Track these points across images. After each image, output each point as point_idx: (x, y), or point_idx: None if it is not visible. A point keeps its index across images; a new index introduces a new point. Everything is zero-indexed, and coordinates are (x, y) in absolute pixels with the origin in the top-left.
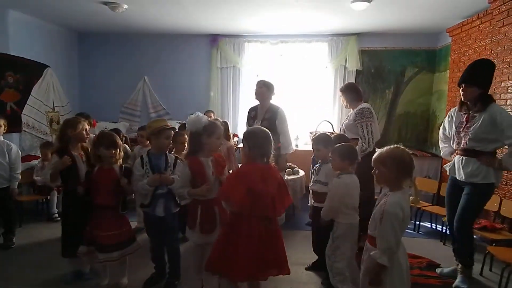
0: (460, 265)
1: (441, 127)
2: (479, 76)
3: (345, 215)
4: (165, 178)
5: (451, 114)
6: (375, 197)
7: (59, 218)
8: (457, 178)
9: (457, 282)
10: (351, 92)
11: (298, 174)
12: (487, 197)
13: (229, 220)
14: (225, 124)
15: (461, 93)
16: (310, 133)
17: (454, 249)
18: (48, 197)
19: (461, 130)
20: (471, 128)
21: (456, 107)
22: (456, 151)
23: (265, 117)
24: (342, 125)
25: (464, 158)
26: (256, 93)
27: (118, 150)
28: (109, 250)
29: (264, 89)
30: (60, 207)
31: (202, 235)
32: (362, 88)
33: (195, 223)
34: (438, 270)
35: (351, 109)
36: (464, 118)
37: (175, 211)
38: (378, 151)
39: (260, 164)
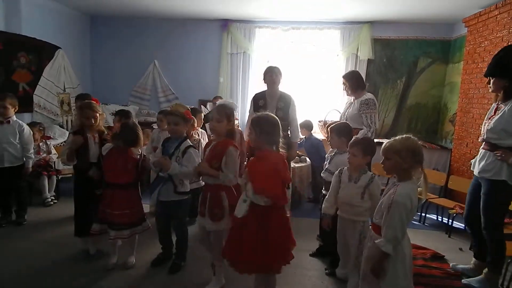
0: (486, 269)
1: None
2: (506, 66)
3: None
4: (159, 162)
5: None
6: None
7: (52, 203)
8: (475, 173)
9: (472, 279)
10: (355, 81)
11: (306, 162)
12: (502, 195)
13: (255, 215)
14: None
15: (489, 85)
16: (319, 121)
17: (470, 248)
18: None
19: (486, 121)
20: (493, 119)
21: None
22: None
23: (279, 107)
24: (344, 114)
25: (482, 151)
26: (271, 81)
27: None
28: (120, 228)
29: (280, 78)
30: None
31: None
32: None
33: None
34: (451, 264)
35: (353, 98)
36: (494, 110)
37: (176, 199)
38: (389, 141)
39: (277, 153)
